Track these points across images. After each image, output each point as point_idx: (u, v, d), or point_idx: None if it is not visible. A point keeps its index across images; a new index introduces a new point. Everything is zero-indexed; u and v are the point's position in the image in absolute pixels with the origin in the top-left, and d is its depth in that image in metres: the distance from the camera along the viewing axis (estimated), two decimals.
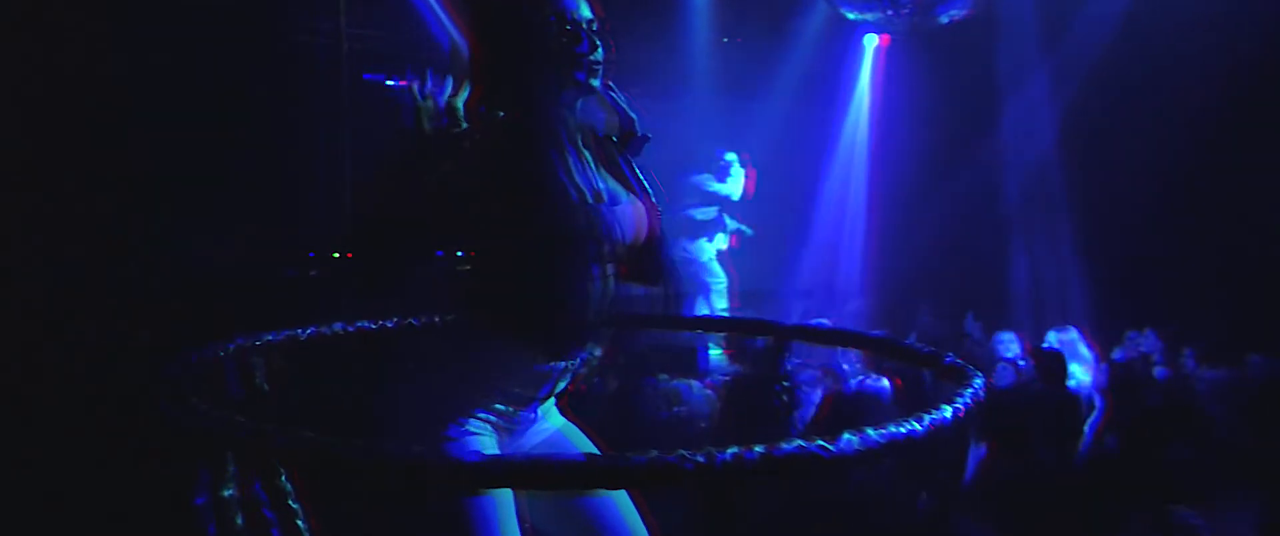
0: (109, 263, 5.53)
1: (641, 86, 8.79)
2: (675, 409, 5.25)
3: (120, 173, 5.47)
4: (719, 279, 8.10)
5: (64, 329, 5.41)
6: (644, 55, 8.56)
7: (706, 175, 8.02)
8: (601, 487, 1.37)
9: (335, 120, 5.71)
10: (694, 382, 5.81)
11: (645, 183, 2.15)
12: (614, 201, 2.03)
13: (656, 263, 2.15)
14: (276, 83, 5.93)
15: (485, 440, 1.97)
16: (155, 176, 5.62)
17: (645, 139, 2.26)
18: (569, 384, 2.11)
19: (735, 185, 8.07)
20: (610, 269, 2.03)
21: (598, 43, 2.03)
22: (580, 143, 2.04)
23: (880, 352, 3.16)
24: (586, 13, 2.03)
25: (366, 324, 2.65)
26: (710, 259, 8.08)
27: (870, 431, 1.41)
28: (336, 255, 6.19)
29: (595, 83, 2.04)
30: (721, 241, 8.15)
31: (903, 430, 1.45)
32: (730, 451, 1.32)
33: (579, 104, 2.07)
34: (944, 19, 7.53)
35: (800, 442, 1.35)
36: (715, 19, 9.06)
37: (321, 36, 5.82)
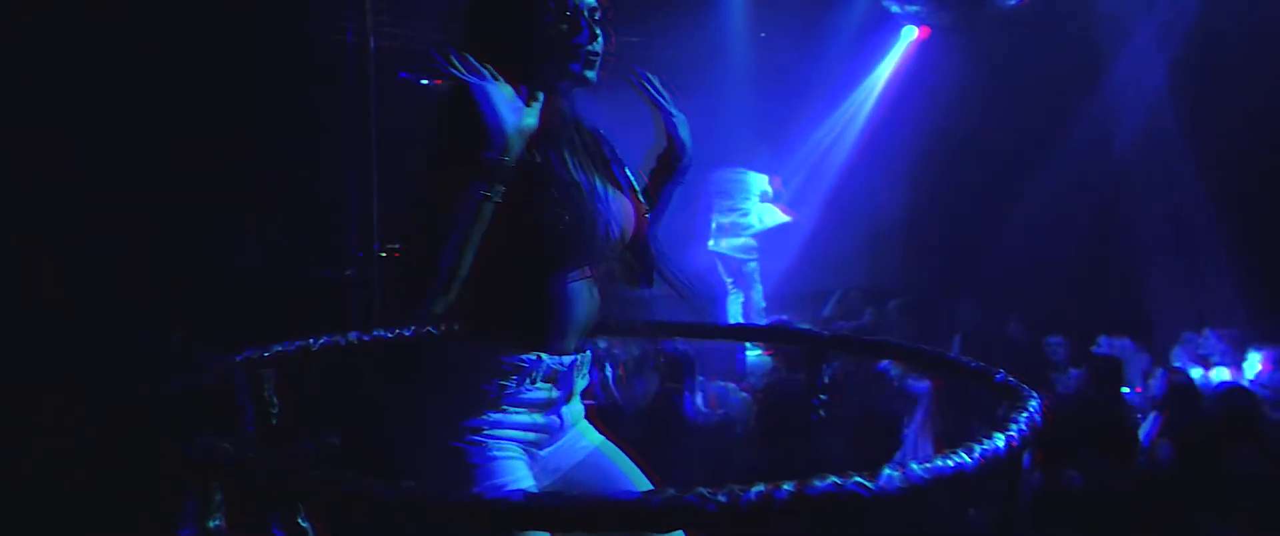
0: (136, 266, 5.51)
1: (676, 82, 8.59)
2: (715, 412, 5.16)
3: (147, 174, 5.45)
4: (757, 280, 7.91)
5: (98, 331, 5.41)
6: (677, 51, 8.45)
7: (764, 175, 7.84)
8: (617, 531, 1.26)
9: (364, 119, 5.65)
10: (731, 385, 5.70)
11: (633, 180, 2.06)
12: (604, 198, 1.92)
13: (646, 263, 2.05)
14: (305, 80, 5.88)
15: (514, 464, 1.87)
16: (182, 177, 5.59)
17: (688, 149, 2.15)
18: (590, 382, 2.03)
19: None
20: (601, 266, 1.94)
21: (598, 33, 1.92)
22: (572, 136, 1.95)
23: (926, 367, 2.97)
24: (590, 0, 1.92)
25: (383, 333, 2.55)
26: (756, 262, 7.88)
27: (913, 465, 1.27)
28: (384, 254, 6.13)
29: (591, 75, 1.93)
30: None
31: (950, 463, 1.31)
32: (756, 489, 1.19)
33: (575, 95, 1.97)
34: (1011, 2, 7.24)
35: (835, 480, 1.21)
36: (751, 13, 8.87)
37: (351, 34, 5.77)
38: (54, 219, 5.24)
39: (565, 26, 1.87)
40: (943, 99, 8.64)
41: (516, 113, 1.74)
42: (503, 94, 1.73)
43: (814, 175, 9.42)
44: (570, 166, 1.88)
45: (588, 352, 1.99)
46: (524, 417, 1.89)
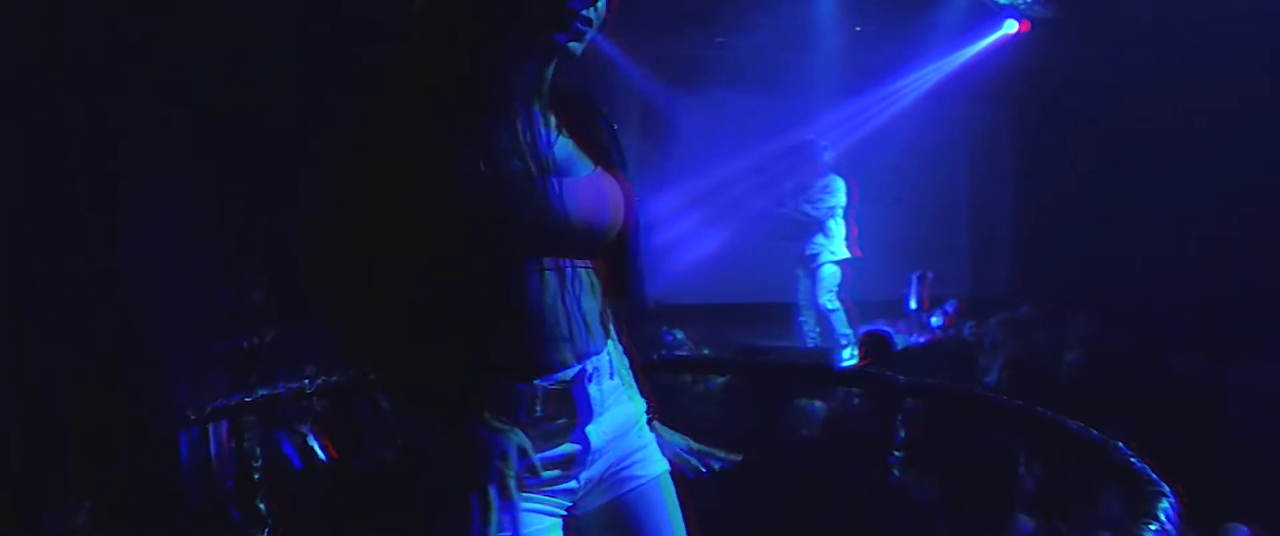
0: (201, 270, 5.48)
1: (770, 84, 8.36)
2: (803, 432, 4.83)
3: (209, 185, 5.42)
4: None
5: (164, 338, 5.37)
6: (768, 46, 8.06)
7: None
8: None
9: None
10: (819, 403, 5.34)
11: (624, 156, 1.66)
12: (567, 172, 1.55)
13: (623, 271, 1.65)
14: (346, 90, 5.79)
15: (527, 517, 1.51)
16: (231, 187, 5.55)
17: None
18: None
19: None
20: (572, 261, 1.55)
21: None
22: (534, 105, 1.56)
23: (1024, 430, 2.47)
24: None
25: None
26: None
27: None
28: None
29: (576, 47, 1.52)
30: None
31: None
32: None
33: (550, 70, 1.56)
34: None
35: None
36: (845, 6, 8.45)
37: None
38: (114, 227, 5.22)
39: None
40: (1055, 90, 8.13)
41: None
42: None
43: (905, 170, 8.95)
44: (544, 144, 1.52)
45: (601, 355, 1.60)
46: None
